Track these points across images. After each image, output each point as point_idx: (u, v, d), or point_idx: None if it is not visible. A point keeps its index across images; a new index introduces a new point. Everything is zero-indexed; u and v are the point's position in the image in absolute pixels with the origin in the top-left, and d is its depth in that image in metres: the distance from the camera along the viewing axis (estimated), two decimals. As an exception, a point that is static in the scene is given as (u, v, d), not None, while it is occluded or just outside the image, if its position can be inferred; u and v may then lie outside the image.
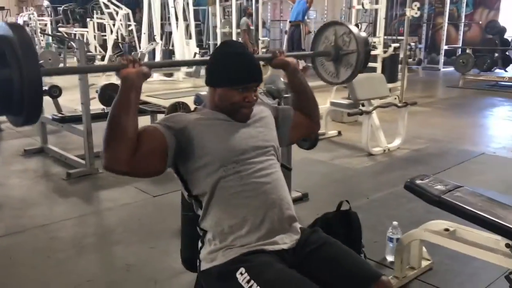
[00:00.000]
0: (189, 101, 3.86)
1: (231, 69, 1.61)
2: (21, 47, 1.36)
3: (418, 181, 2.35)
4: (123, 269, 2.61)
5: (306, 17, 10.60)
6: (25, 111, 1.41)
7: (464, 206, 2.13)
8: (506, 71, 10.72)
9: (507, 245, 2.04)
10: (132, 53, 10.30)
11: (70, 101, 6.54)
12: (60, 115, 4.55)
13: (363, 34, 2.26)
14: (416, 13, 6.79)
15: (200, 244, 1.63)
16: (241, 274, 1.44)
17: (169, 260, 2.68)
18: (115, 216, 3.34)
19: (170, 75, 10.61)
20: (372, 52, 7.53)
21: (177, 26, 10.32)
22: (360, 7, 7.33)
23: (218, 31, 10.84)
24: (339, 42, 2.20)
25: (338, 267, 1.51)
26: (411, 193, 2.36)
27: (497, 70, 10.70)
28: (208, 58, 1.73)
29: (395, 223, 2.66)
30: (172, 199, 3.59)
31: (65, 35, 12.62)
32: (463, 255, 2.56)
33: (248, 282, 1.41)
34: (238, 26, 10.60)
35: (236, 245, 1.52)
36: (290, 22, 10.14)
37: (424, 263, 2.56)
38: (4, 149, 5.09)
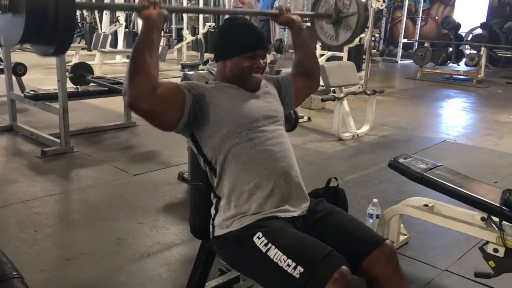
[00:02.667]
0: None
1: (240, 37, 1.71)
2: None
3: (401, 160, 2.52)
4: (114, 242, 2.64)
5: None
6: (58, 40, 1.46)
7: (445, 182, 2.31)
8: (458, 65, 11.24)
9: (483, 218, 2.23)
10: (94, 33, 10.05)
11: (31, 81, 6.37)
12: (33, 92, 4.45)
13: None
14: (381, 6, 7.04)
15: (213, 212, 1.71)
16: (258, 238, 1.54)
17: (159, 235, 2.75)
18: (98, 193, 3.35)
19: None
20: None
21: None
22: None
23: (185, 15, 10.76)
24: (339, 5, 2.29)
25: (345, 233, 1.63)
26: (395, 171, 2.52)
27: (451, 64, 11.20)
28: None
29: (375, 200, 2.81)
30: (153, 178, 3.66)
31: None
32: (436, 231, 2.78)
33: (266, 245, 1.51)
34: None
35: (250, 212, 1.61)
36: (259, 18, 10.10)
37: (402, 238, 2.74)
38: (-31, 126, 4.92)
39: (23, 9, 1.41)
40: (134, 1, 10.41)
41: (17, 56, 6.56)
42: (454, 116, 6.56)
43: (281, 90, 1.91)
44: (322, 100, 5.02)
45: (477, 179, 2.54)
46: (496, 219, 2.16)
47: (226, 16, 2.07)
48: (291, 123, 3.74)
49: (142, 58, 1.51)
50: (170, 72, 8.48)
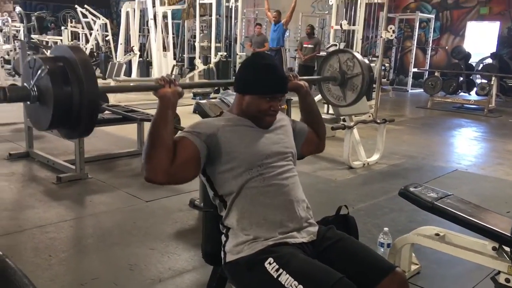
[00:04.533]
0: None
1: (262, 79, 1.76)
2: (82, 68, 1.53)
3: (411, 189, 2.54)
4: (126, 268, 2.67)
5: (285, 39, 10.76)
6: (82, 125, 1.58)
7: (455, 211, 2.32)
8: (469, 94, 11.27)
9: (494, 248, 2.24)
10: (109, 63, 10.28)
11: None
12: (50, 119, 4.54)
13: (366, 60, 2.48)
14: (391, 36, 7.14)
15: (224, 238, 1.74)
16: (270, 263, 1.57)
17: (170, 261, 2.78)
18: (111, 219, 3.39)
19: (147, 86, 10.63)
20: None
21: (155, 38, 10.39)
22: (338, 27, 7.61)
23: (197, 44, 10.98)
24: (343, 68, 2.41)
25: (356, 259, 1.65)
26: (405, 200, 2.54)
27: (462, 94, 11.24)
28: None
29: (386, 229, 2.82)
30: (164, 204, 3.70)
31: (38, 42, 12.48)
32: (448, 261, 2.77)
33: (277, 270, 1.54)
34: (216, 40, 10.80)
35: (260, 238, 1.65)
36: (271, 48, 10.20)
37: (413, 267, 2.73)
38: (-13, 153, 5.04)
39: (51, 101, 1.52)
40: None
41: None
42: (466, 145, 6.56)
43: (295, 131, 1.96)
44: (332, 128, 5.06)
45: (489, 208, 2.55)
46: (507, 248, 2.16)
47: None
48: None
49: (158, 133, 1.60)
50: (182, 100, 8.57)
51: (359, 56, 2.40)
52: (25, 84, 1.61)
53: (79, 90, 1.52)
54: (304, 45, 10.28)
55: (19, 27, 14.04)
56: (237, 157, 1.69)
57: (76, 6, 13.37)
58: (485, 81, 10.55)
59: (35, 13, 14.31)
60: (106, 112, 5.26)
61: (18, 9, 15.72)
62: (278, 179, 1.72)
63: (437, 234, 2.52)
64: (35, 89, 1.57)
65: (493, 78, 9.81)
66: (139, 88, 2.34)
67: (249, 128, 1.77)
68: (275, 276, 1.52)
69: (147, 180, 1.59)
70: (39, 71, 1.54)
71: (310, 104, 2.09)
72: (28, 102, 1.61)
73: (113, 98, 8.14)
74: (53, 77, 1.52)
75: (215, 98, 3.74)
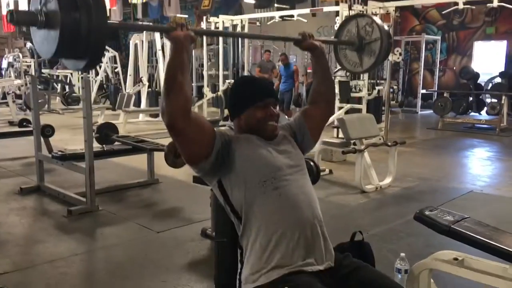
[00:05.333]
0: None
1: (248, 91, 1.80)
2: None
3: (427, 212, 2.47)
4: (138, 302, 2.62)
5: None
6: (89, 55, 1.54)
7: (473, 235, 2.25)
8: (480, 114, 11.20)
9: (516, 272, 2.16)
10: (119, 94, 10.40)
11: (58, 141, 6.57)
12: (60, 152, 4.57)
13: (385, 25, 2.42)
14: (398, 58, 7.17)
15: (239, 266, 1.70)
16: (286, 293, 1.52)
17: (183, 293, 2.72)
18: (122, 252, 3.36)
19: (156, 116, 10.72)
20: (357, 94, 7.83)
21: (163, 69, 10.52)
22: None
23: (205, 73, 11.09)
24: (361, 33, 2.34)
25: (374, 289, 1.60)
26: (421, 224, 2.47)
27: (472, 114, 11.17)
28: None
29: (402, 254, 2.75)
30: (176, 235, 3.66)
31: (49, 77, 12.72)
32: (467, 286, 2.67)
33: (293, 300, 1.49)
34: (224, 68, 10.90)
35: (277, 265, 1.60)
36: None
37: (432, 294, 2.65)
38: (-2, 187, 5.05)
39: (58, 25, 1.49)
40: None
41: (45, 118, 6.80)
42: (479, 166, 6.47)
43: (296, 135, 1.94)
44: (343, 152, 5.03)
45: (507, 230, 2.47)
46: (530, 272, 2.08)
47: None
48: (313, 175, 3.74)
49: (175, 77, 1.58)
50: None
51: (378, 20, 2.32)
52: (32, 8, 1.57)
53: (87, 16, 1.48)
54: (309, 71, 10.35)
55: (30, 62, 14.32)
56: (249, 167, 1.67)
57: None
58: (495, 100, 10.49)
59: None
60: (116, 143, 5.28)
61: (29, 44, 16.07)
62: (294, 194, 1.69)
63: (455, 259, 2.44)
64: (43, 14, 1.53)
65: (503, 97, 9.75)
66: (151, 28, 2.30)
67: (257, 140, 1.76)
68: (291, 307, 1.47)
69: (168, 125, 1.58)
70: None
71: (324, 65, 2.07)
72: (35, 28, 1.57)
73: (122, 129, 8.20)
74: (62, 1, 1.48)
75: (224, 125, 3.74)
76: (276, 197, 1.65)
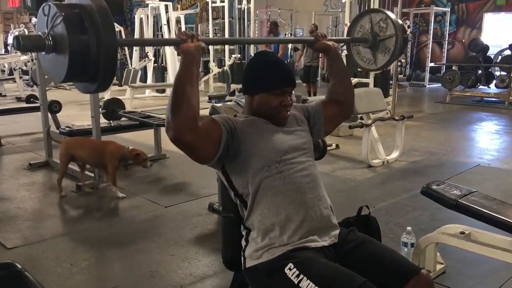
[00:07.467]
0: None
1: (268, 75, 1.72)
2: (100, 16, 1.43)
3: (434, 187, 2.48)
4: (147, 275, 2.66)
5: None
6: (100, 78, 1.48)
7: (480, 209, 2.26)
8: (489, 87, 11.06)
9: (522, 245, 2.17)
10: (125, 69, 10.37)
11: (66, 117, 6.59)
12: (68, 128, 4.59)
13: (399, 20, 2.33)
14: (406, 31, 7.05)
15: (244, 243, 1.71)
16: (290, 269, 1.53)
17: (191, 267, 2.76)
18: (131, 226, 3.40)
19: (163, 91, 10.71)
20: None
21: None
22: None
23: (211, 47, 11.00)
24: (375, 29, 2.26)
25: (379, 263, 1.60)
26: (428, 198, 2.48)
27: (481, 87, 11.04)
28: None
29: (409, 228, 2.76)
30: (184, 209, 3.69)
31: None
32: (474, 259, 2.70)
33: (297, 276, 1.50)
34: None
35: (280, 243, 1.61)
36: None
37: (439, 267, 2.67)
38: (8, 163, 5.10)
39: (67, 50, 1.44)
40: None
41: (52, 94, 6.81)
42: (487, 140, 6.43)
43: (310, 119, 1.91)
44: (350, 127, 5.01)
45: (514, 204, 2.47)
46: (536, 245, 2.09)
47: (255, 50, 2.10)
48: (320, 151, 3.73)
49: (184, 90, 1.52)
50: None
51: (393, 16, 2.24)
52: (39, 33, 1.51)
53: (96, 38, 1.43)
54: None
55: (36, 37, 14.21)
56: (254, 153, 1.65)
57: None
58: (505, 73, 10.34)
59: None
60: (123, 118, 5.29)
61: (34, 20, 15.97)
62: (298, 176, 1.68)
63: (462, 233, 2.46)
64: (50, 38, 1.47)
65: (513, 69, 9.62)
66: (160, 42, 2.27)
67: (265, 125, 1.73)
68: (296, 282, 1.49)
69: (173, 139, 1.51)
70: (54, 19, 1.45)
71: (339, 65, 2.00)
72: (43, 53, 1.52)
73: (129, 105, 8.21)
74: (69, 25, 1.43)
75: (230, 101, 3.73)
76: (280, 180, 1.65)
